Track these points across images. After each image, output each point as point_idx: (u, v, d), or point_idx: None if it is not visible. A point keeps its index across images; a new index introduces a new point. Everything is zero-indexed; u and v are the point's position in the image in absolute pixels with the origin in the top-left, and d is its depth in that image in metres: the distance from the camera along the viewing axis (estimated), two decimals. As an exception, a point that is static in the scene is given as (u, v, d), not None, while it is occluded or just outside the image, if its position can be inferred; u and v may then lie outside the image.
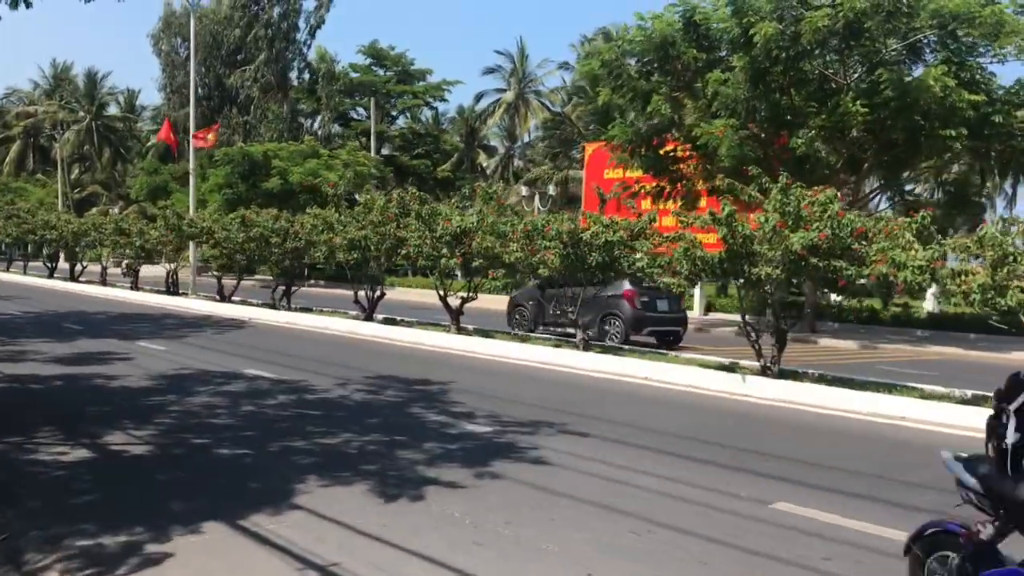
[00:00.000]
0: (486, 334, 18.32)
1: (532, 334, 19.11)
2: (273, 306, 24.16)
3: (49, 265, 40.93)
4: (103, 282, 34.31)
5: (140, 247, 29.06)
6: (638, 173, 28.44)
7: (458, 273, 19.21)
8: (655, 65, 25.13)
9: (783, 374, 12.94)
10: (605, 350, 15.85)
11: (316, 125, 63.75)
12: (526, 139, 74.33)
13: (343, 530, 5.88)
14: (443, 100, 69.81)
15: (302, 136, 58.14)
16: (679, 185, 27.48)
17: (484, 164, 74.01)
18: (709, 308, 32.23)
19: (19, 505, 6.41)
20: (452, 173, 66.72)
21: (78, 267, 38.08)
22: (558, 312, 18.71)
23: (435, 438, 8.94)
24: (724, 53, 25.03)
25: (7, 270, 46.82)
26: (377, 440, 8.80)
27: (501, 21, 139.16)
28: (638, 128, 26.03)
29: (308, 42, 60.46)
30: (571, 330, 16.99)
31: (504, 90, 72.06)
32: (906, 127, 21.98)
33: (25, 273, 43.72)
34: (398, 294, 34.21)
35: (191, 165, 31.57)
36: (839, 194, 12.99)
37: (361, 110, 65.67)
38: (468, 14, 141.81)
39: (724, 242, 11.84)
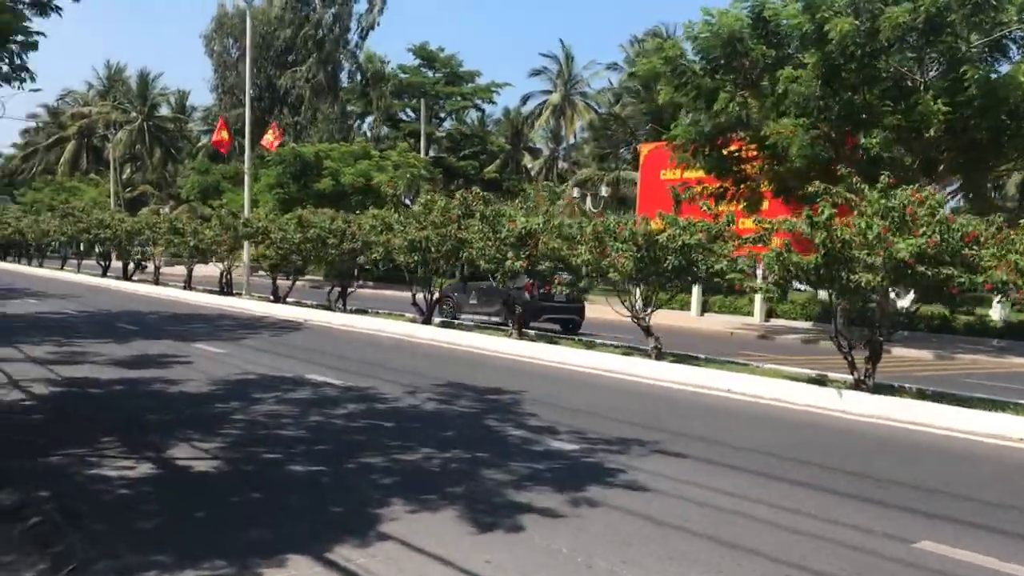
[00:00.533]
0: (549, 339, 17.67)
1: (456, 320, 22.75)
2: (328, 307, 23.72)
3: (103, 264, 41.10)
4: (156, 281, 34.26)
5: (195, 247, 28.84)
6: (698, 174, 27.56)
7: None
8: (721, 62, 24.24)
9: (878, 388, 12.09)
10: (679, 359, 15.08)
11: (366, 126, 63.59)
12: (571, 141, 73.86)
13: (443, 567, 5.25)
14: (491, 102, 69.43)
15: (352, 137, 58.06)
16: (743, 186, 26.57)
17: (529, 166, 73.52)
18: (770, 314, 31.24)
19: (85, 528, 5.88)
20: (499, 174, 66.39)
21: (130, 266, 38.14)
22: (475, 302, 23.56)
23: (520, 456, 8.29)
24: (792, 50, 24.08)
25: (61, 268, 47.21)
26: (459, 457, 8.17)
27: (547, 23, 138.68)
28: (702, 128, 25.15)
29: (359, 44, 60.35)
30: (494, 317, 22.57)
31: (550, 92, 71.72)
32: (991, 127, 20.92)
33: (79, 271, 43.98)
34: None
35: (246, 165, 31.35)
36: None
37: (410, 111, 65.48)
38: (513, 16, 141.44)
39: (822, 247, 11.02)
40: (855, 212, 11.76)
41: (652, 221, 14.56)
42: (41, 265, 51.33)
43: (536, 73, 72.20)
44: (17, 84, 17.94)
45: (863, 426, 10.81)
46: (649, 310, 15.33)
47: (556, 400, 11.68)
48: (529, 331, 18.08)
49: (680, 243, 13.77)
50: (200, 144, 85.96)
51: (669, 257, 13.95)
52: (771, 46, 23.41)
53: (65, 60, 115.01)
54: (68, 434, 8.60)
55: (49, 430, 8.95)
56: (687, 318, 31.33)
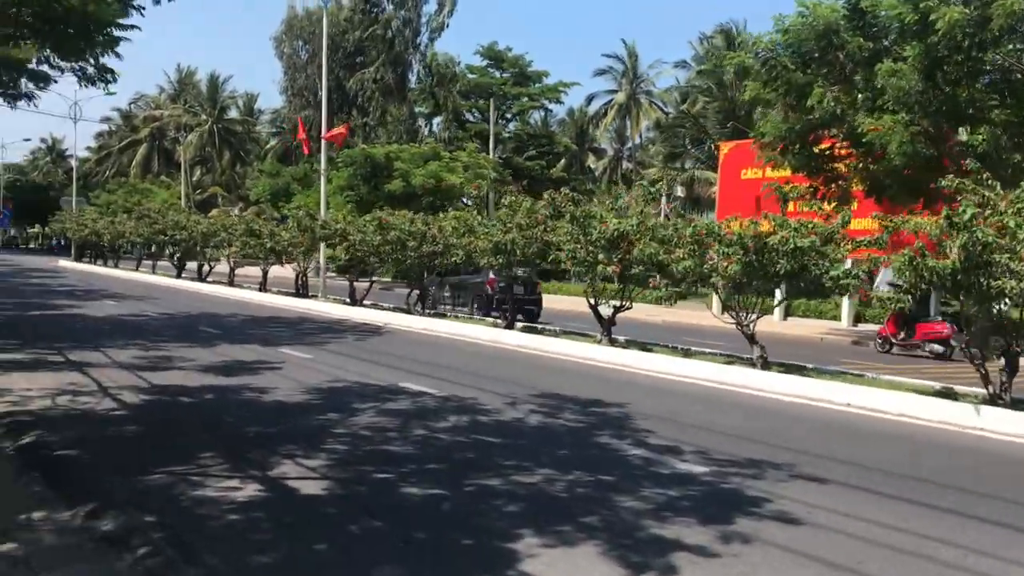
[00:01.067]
0: (642, 347, 16.91)
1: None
2: (408, 311, 23.28)
3: (177, 265, 41.41)
4: (230, 283, 34.26)
5: (271, 248, 28.66)
6: (786, 173, 26.47)
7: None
8: (815, 55, 23.17)
9: (1016, 403, 11.10)
10: (786, 369, 14.20)
11: (434, 127, 63.35)
12: (637, 140, 72.81)
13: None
14: (559, 102, 68.65)
15: (420, 138, 57.85)
16: (833, 186, 25.42)
17: (592, 166, 72.68)
18: (858, 319, 29.97)
19: (198, 562, 5.38)
20: (565, 174, 65.78)
21: (204, 267, 38.31)
22: (447, 295, 26.57)
23: (648, 480, 7.60)
24: (889, 42, 22.90)
25: (136, 269, 47.74)
26: (582, 480, 7.51)
27: (607, 23, 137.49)
28: (792, 124, 24.09)
29: (428, 45, 60.09)
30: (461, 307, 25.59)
31: (615, 91, 70.80)
32: (1110, 122, 19.55)
33: (153, 272, 44.48)
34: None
35: (322, 167, 31.14)
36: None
37: (476, 112, 65.12)
38: (576, 16, 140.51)
39: (962, 251, 10.10)
40: (988, 211, 10.78)
41: (760, 222, 13.72)
42: (116, 266, 51.98)
43: (601, 73, 71.35)
44: (103, 86, 17.91)
45: (1012, 447, 9.88)
46: (754, 317, 14.48)
47: (666, 414, 10.95)
48: (618, 339, 17.30)
49: (792, 246, 12.89)
50: (268, 146, 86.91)
51: (781, 261, 13.08)
52: (868, 38, 22.29)
53: (137, 64, 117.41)
54: (166, 449, 8.16)
55: (146, 444, 8.55)
56: (769, 322, 30.20)
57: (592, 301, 17.33)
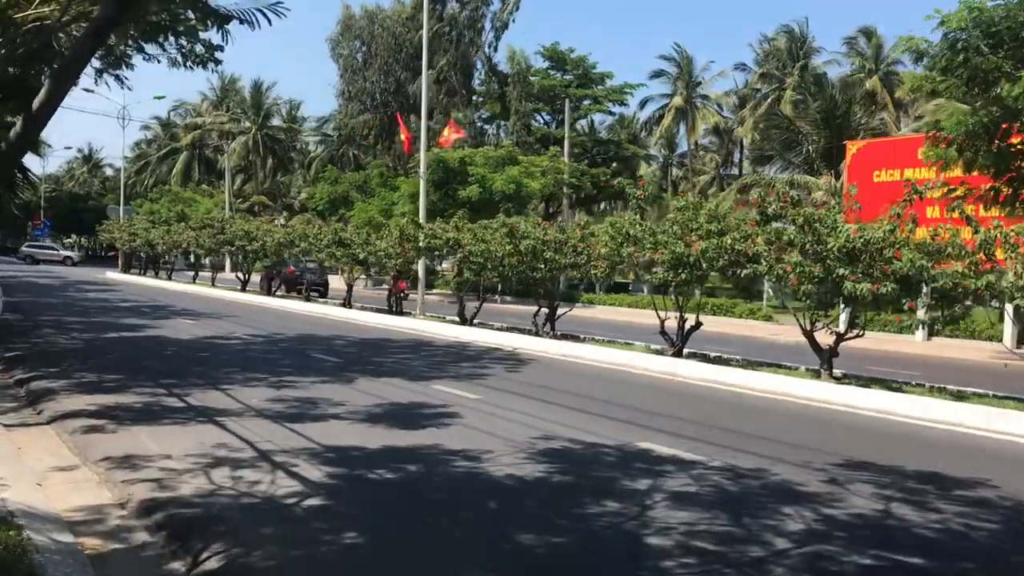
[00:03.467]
0: (885, 384, 13.68)
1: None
2: (536, 332, 20.12)
3: (242, 277, 38.63)
4: (306, 298, 31.37)
5: (363, 260, 25.60)
6: (956, 172, 23.05)
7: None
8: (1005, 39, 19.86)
9: None
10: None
11: (501, 131, 60.43)
12: (693, 144, 69.56)
13: None
14: (623, 104, 65.38)
15: (487, 142, 54.93)
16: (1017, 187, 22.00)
17: (641, 173, 69.10)
18: (1021, 339, 26.42)
19: None
20: (632, 180, 62.64)
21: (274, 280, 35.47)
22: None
23: None
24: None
25: (193, 281, 45.04)
26: None
27: (657, 26, 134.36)
28: (982, 117, 20.75)
29: (494, 44, 57.08)
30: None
31: (670, 95, 67.87)
32: None
33: (213, 285, 41.76)
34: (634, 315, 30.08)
35: (421, 169, 28.19)
36: None
37: (539, 115, 62.16)
38: (624, 21, 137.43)
39: None
40: None
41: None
42: (170, 278, 49.33)
43: (656, 75, 68.35)
44: (213, 66, 15.09)
45: None
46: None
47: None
48: (836, 372, 14.05)
49: None
50: (313, 154, 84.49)
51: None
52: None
53: (176, 72, 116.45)
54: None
55: (395, 569, 5.48)
56: (910, 343, 26.77)
57: (807, 326, 14.08)
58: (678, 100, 67.69)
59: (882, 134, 45.02)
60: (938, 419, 11.50)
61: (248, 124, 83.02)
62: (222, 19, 8.36)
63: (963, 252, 11.68)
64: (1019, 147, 21.66)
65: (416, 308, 25.86)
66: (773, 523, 6.59)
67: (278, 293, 35.62)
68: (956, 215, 12.24)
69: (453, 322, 23.34)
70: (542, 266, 19.37)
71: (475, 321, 22.74)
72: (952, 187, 23.00)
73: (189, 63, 14.74)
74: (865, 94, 51.73)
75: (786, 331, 28.72)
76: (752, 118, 59.34)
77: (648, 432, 10.08)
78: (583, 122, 65.20)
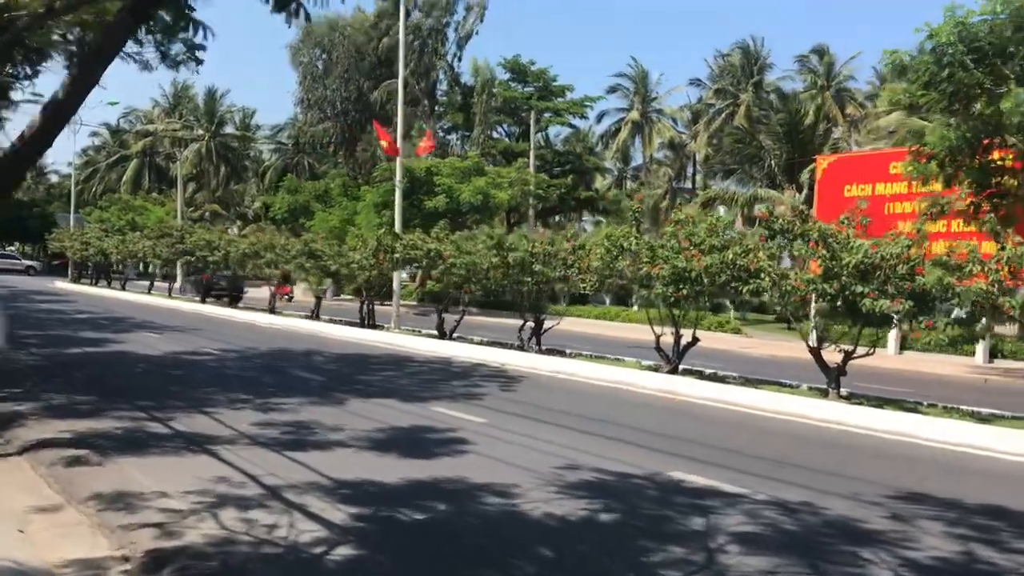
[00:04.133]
0: (898, 405, 13.26)
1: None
2: (521, 347, 19.45)
3: (201, 288, 37.36)
4: (271, 310, 30.32)
5: (335, 272, 24.69)
6: (937, 187, 22.96)
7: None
8: (1009, 51, 19.78)
9: None
10: None
11: (463, 142, 59.73)
12: (648, 158, 69.50)
13: None
14: (583, 117, 65.19)
15: (449, 152, 54.23)
16: (1003, 203, 21.94)
17: (597, 186, 68.81)
18: (994, 354, 26.45)
19: None
20: (595, 193, 62.50)
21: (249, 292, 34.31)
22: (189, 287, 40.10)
23: None
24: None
25: (148, 292, 43.52)
26: None
27: (617, 41, 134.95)
28: (964, 132, 20.64)
29: (457, 55, 56.44)
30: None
31: (627, 109, 67.98)
32: None
33: (170, 296, 40.35)
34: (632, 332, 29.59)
35: (397, 178, 27.37)
36: None
37: (503, 126, 61.68)
38: (585, 34, 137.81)
39: None
40: None
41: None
42: (124, 288, 47.63)
43: (612, 90, 68.31)
44: (193, 67, 14.35)
45: None
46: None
47: None
48: (842, 391, 13.62)
49: None
50: (267, 163, 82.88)
51: None
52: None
53: (126, 79, 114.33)
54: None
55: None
56: (884, 357, 26.57)
57: (812, 343, 13.62)
58: (634, 114, 67.92)
59: (837, 150, 45.29)
60: (963, 443, 11.07)
61: (201, 132, 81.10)
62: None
63: (986, 269, 11.30)
64: (1000, 163, 21.74)
65: (391, 321, 24.98)
66: (857, 571, 6.01)
67: (239, 305, 33.91)
68: (985, 229, 11.80)
69: (431, 335, 22.58)
70: (529, 279, 18.74)
71: (454, 335, 22.00)
72: (943, 200, 23.00)
73: (167, 63, 13.94)
74: (816, 109, 52.12)
75: (757, 344, 28.49)
76: (706, 132, 59.69)
77: (674, 460, 9.47)
78: (540, 135, 64.82)
